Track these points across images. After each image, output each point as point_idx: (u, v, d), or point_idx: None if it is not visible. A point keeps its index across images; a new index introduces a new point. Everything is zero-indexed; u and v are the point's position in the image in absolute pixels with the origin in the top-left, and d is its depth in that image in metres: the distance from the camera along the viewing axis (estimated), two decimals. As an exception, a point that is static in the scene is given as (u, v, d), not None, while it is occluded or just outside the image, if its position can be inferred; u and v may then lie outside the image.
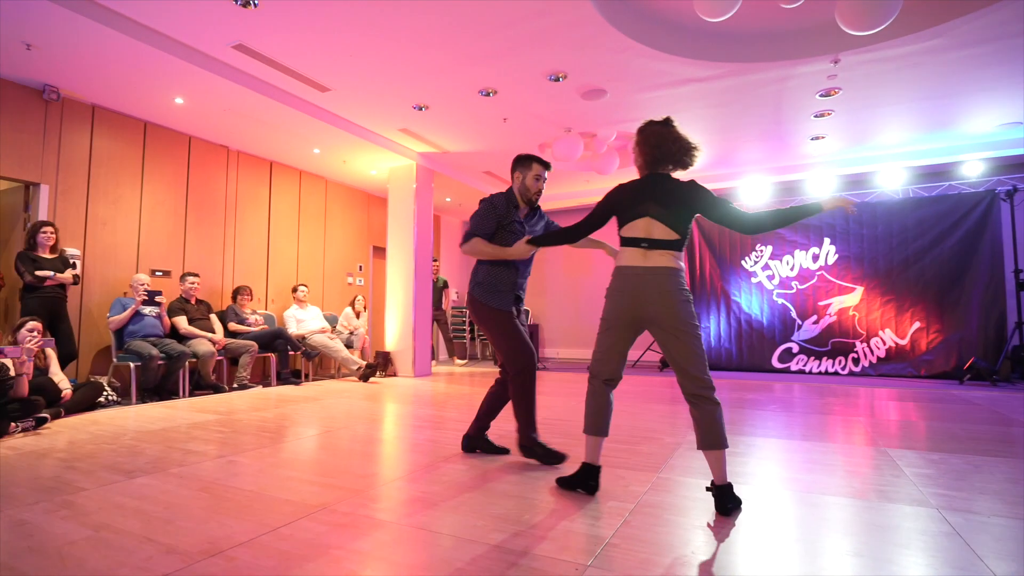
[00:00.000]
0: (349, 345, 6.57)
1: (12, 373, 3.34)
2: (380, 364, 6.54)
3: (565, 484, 2.19)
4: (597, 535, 1.70)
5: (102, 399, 4.26)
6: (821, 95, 5.04)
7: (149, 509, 1.98)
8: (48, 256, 4.31)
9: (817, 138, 6.24)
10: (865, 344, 6.84)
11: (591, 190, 8.72)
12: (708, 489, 1.97)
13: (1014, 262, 6.01)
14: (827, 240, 7.14)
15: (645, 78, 4.75)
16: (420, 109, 5.41)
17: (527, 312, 9.54)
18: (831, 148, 6.63)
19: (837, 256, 7.07)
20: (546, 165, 2.72)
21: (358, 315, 6.95)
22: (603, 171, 6.73)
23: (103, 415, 3.97)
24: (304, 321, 6.32)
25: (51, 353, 3.93)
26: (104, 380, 4.48)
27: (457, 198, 8.76)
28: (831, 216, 7.11)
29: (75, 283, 4.49)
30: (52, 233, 4.36)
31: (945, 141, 6.39)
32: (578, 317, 9.60)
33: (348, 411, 4.18)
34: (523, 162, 2.72)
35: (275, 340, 5.77)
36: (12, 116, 4.47)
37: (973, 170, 6.47)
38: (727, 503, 1.91)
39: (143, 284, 4.87)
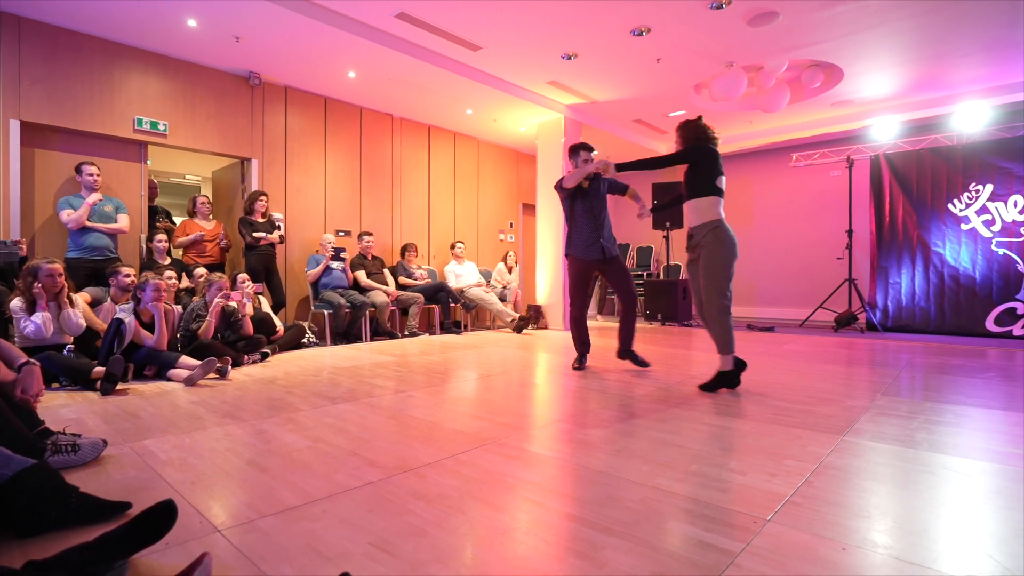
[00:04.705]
0: (503, 299, 6.89)
1: (240, 315, 4.10)
2: (532, 317, 6.78)
3: (709, 387, 3.00)
4: (775, 492, 1.61)
5: (305, 340, 5.04)
6: (1085, -18, 3.89)
7: (351, 429, 2.31)
8: (261, 220, 5.12)
9: (1072, 41, 4.86)
10: None
11: (753, 132, 7.89)
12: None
13: None
14: (1078, 173, 5.64)
15: (829, -9, 4.08)
16: (569, 58, 5.29)
17: (678, 267, 9.13)
18: (1093, 52, 5.14)
19: (1093, 193, 5.57)
20: (591, 148, 3.69)
21: (510, 270, 7.23)
22: (770, 108, 6.03)
23: (307, 353, 4.70)
24: (462, 276, 6.75)
25: (262, 299, 4.77)
26: (306, 324, 5.28)
27: (605, 150, 8.52)
28: (1087, 142, 5.57)
29: (281, 242, 5.31)
30: (266, 201, 5.18)
31: None
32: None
33: (504, 358, 4.43)
34: (574, 152, 3.68)
35: (438, 293, 6.26)
36: (228, 102, 5.30)
37: None
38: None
39: (330, 242, 5.58)
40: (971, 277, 6.21)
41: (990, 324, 6.05)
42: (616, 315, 9.33)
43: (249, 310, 4.27)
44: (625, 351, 3.81)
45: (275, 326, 4.58)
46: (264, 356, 4.17)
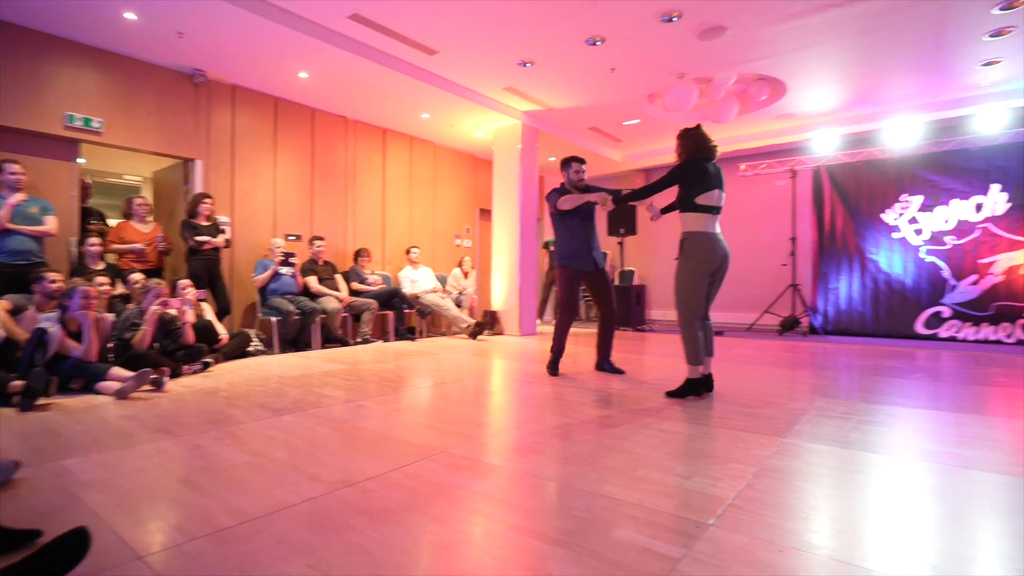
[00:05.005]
0: (458, 304, 6.84)
1: (180, 323, 3.90)
2: (488, 323, 6.75)
3: (676, 394, 3.07)
4: (717, 495, 1.64)
5: (251, 349, 4.84)
6: (1000, 8, 4.19)
7: (294, 442, 2.22)
8: (205, 223, 4.90)
9: (990, 63, 5.24)
10: (1041, 308, 5.82)
11: (704, 142, 8.12)
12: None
13: None
14: (996, 187, 6.06)
15: (773, 8, 4.25)
16: (525, 65, 5.31)
17: (631, 272, 9.30)
18: (1007, 75, 5.55)
19: (1010, 205, 6.00)
20: (582, 161, 3.82)
21: (466, 275, 7.19)
22: (719, 119, 6.22)
23: (253, 362, 4.52)
24: (417, 281, 6.66)
25: (206, 305, 4.56)
26: (252, 332, 5.08)
27: (562, 157, 8.60)
28: (1003, 157, 6.01)
29: (227, 247, 5.09)
30: (211, 204, 4.96)
31: None
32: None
33: (459, 365, 4.39)
34: (566, 164, 3.81)
35: (392, 299, 6.15)
36: (170, 99, 5.06)
37: None
38: (710, 384, 3.12)
39: (279, 247, 5.40)
40: (903, 283, 6.58)
41: (919, 327, 6.43)
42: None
43: (190, 317, 4.08)
44: (604, 363, 3.93)
45: (218, 334, 4.39)
46: (206, 366, 3.98)
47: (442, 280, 7.13)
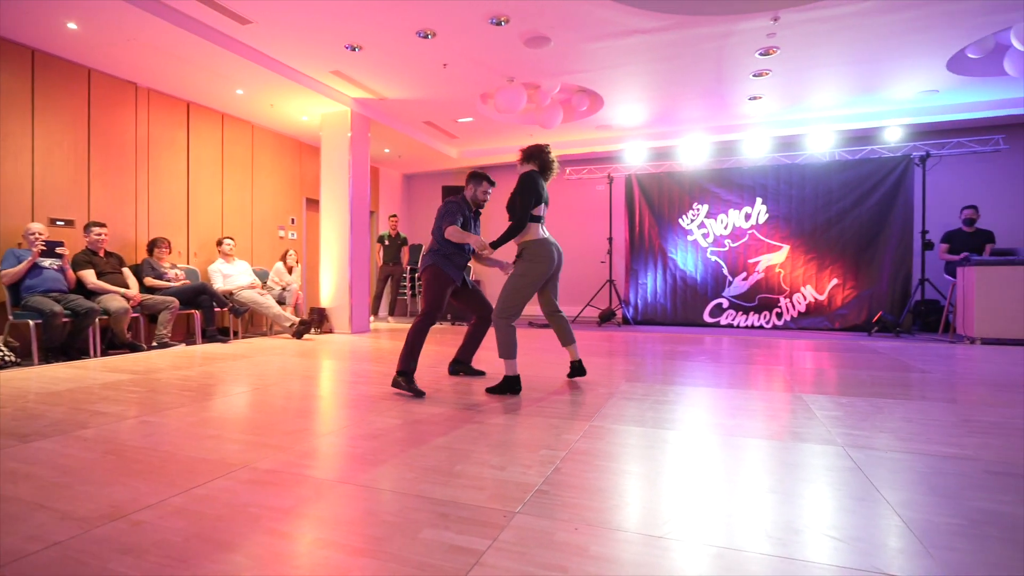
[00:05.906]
0: (281, 301, 6.29)
1: None
2: (315, 321, 6.31)
3: (496, 391, 3.05)
4: (527, 483, 1.71)
5: (-3, 360, 3.88)
6: (760, 54, 5.09)
7: (45, 475, 1.81)
8: (-81, 200, 3.78)
9: (755, 98, 6.35)
10: (788, 300, 7.25)
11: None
12: (572, 364, 3.47)
13: (922, 223, 6.47)
14: (759, 200, 7.40)
15: (590, 26, 4.61)
16: (353, 49, 5.04)
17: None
18: (768, 109, 6.78)
19: (768, 216, 7.36)
20: (492, 183, 3.52)
21: (290, 270, 6.64)
22: (547, 125, 6.61)
23: (-1, 377, 3.62)
24: (231, 276, 5.96)
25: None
26: (-1, 339, 4.07)
27: (397, 149, 8.40)
28: (764, 176, 7.36)
29: (-44, 231, 3.99)
30: (-78, 174, 3.82)
31: (871, 106, 6.68)
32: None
33: (280, 368, 4.02)
34: (476, 178, 3.47)
35: (198, 296, 5.41)
36: None
37: (893, 135, 6.82)
38: (583, 370, 3.44)
39: (39, 234, 4.40)
40: (694, 279, 7.69)
41: (706, 316, 7.58)
42: (410, 316, 9.27)
43: None
44: (463, 364, 3.72)
45: (-58, 344, 3.42)
46: (-80, 385, 3.08)
47: (262, 275, 6.49)
